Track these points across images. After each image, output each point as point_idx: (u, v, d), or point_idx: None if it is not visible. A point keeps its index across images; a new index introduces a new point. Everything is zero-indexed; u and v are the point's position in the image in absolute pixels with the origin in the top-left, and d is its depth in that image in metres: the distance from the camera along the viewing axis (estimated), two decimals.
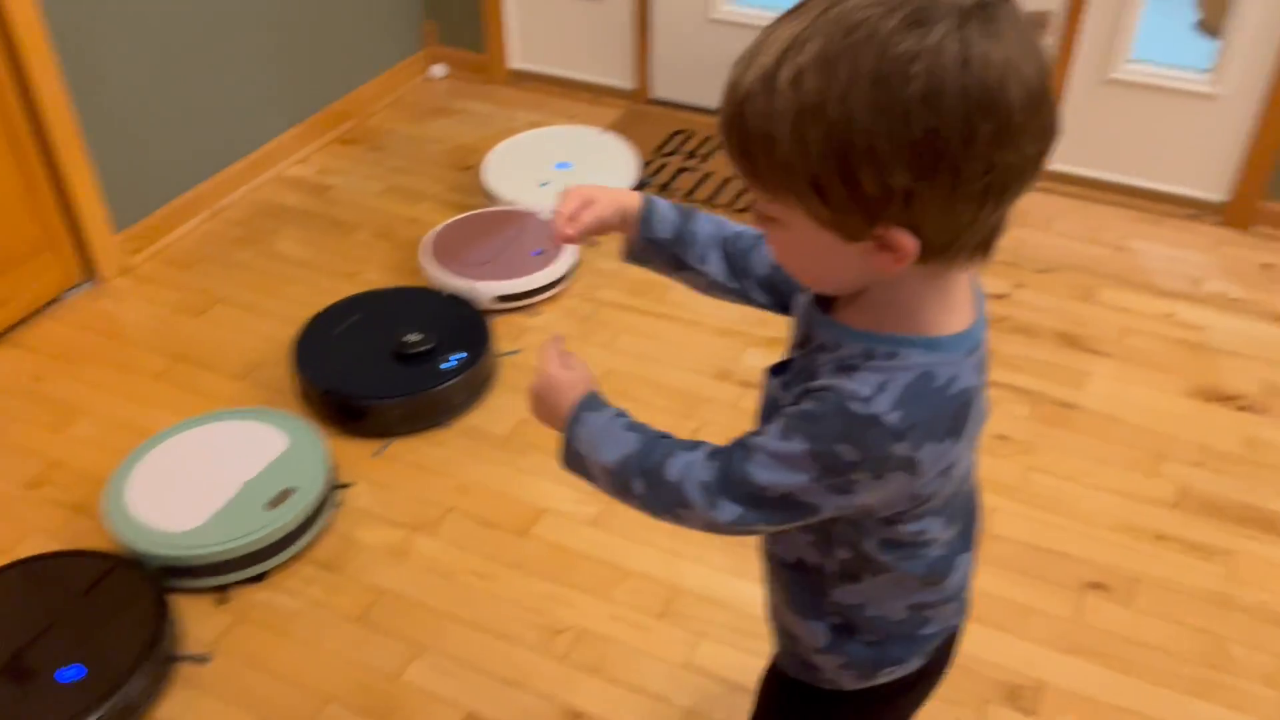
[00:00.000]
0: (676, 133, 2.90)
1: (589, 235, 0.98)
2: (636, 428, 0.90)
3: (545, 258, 2.32)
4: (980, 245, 0.76)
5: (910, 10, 0.66)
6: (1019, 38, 0.68)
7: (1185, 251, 2.53)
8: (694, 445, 0.88)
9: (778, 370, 0.89)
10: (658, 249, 1.01)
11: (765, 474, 0.82)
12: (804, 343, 0.86)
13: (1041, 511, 1.86)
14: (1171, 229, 2.60)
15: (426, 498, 1.89)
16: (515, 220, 2.43)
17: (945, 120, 0.66)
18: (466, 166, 2.83)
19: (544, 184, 2.57)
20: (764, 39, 0.71)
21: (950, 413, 0.79)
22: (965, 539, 0.95)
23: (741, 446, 0.84)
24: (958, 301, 0.82)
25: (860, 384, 0.77)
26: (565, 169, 2.63)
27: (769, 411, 0.86)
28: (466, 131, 3.00)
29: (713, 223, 1.01)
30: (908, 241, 0.72)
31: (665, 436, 0.89)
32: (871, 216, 0.71)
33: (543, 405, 0.94)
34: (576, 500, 1.87)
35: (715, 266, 1.01)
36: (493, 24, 3.12)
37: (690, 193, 2.64)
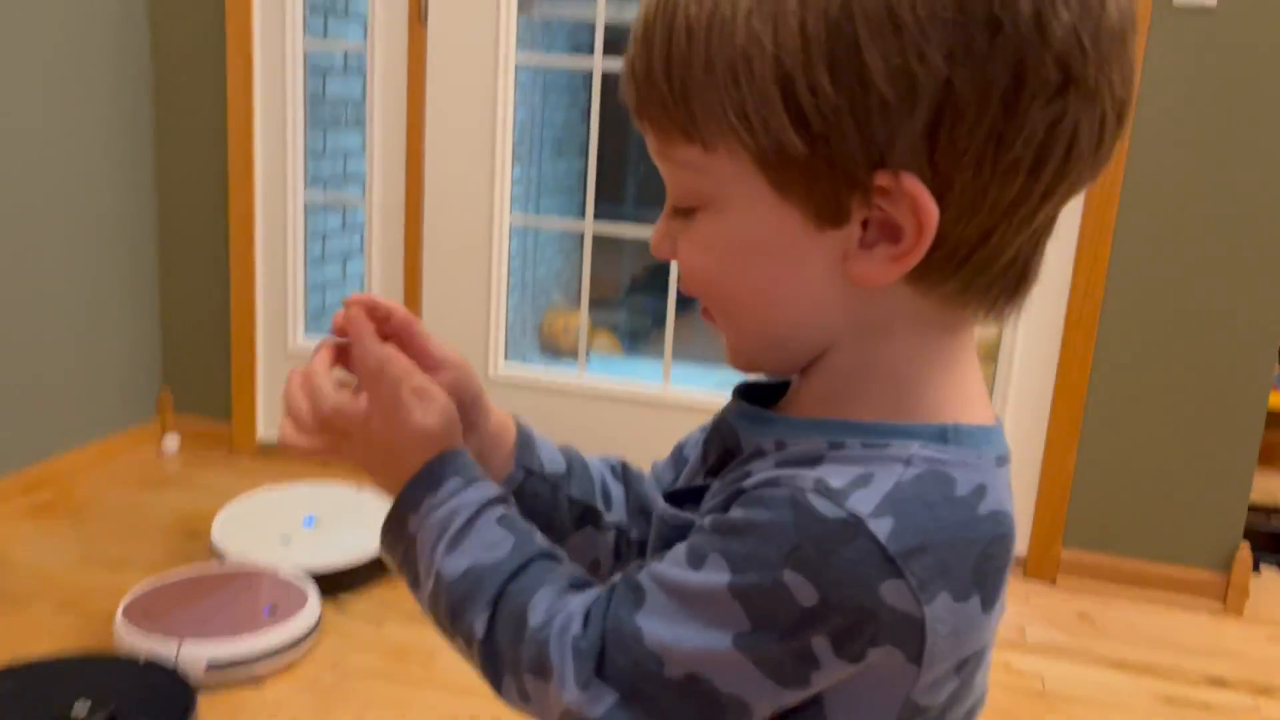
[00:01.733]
0: None
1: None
2: (510, 523, 0.55)
3: (278, 615, 1.86)
4: (1014, 273, 0.50)
5: None
6: None
7: None
8: (581, 584, 0.53)
9: (679, 500, 0.56)
10: (548, 498, 0.66)
11: (662, 628, 0.48)
12: (725, 461, 0.56)
13: None
14: None
15: None
16: (245, 578, 1.98)
17: None
18: (193, 533, 2.38)
19: (286, 540, 2.15)
20: None
21: (980, 548, 0.48)
22: None
23: (628, 586, 0.50)
24: (972, 383, 0.53)
25: (827, 472, 0.47)
26: (311, 525, 2.23)
27: (666, 547, 0.53)
28: (197, 501, 2.57)
29: (593, 458, 0.70)
30: (925, 199, 0.45)
31: (548, 556, 0.54)
32: (871, 146, 0.45)
33: (379, 437, 0.57)
34: None
35: (619, 510, 0.68)
36: (242, 391, 2.83)
37: None
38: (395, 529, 0.58)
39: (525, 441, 0.67)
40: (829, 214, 0.47)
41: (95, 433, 2.67)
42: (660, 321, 2.66)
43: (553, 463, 0.67)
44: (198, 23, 2.59)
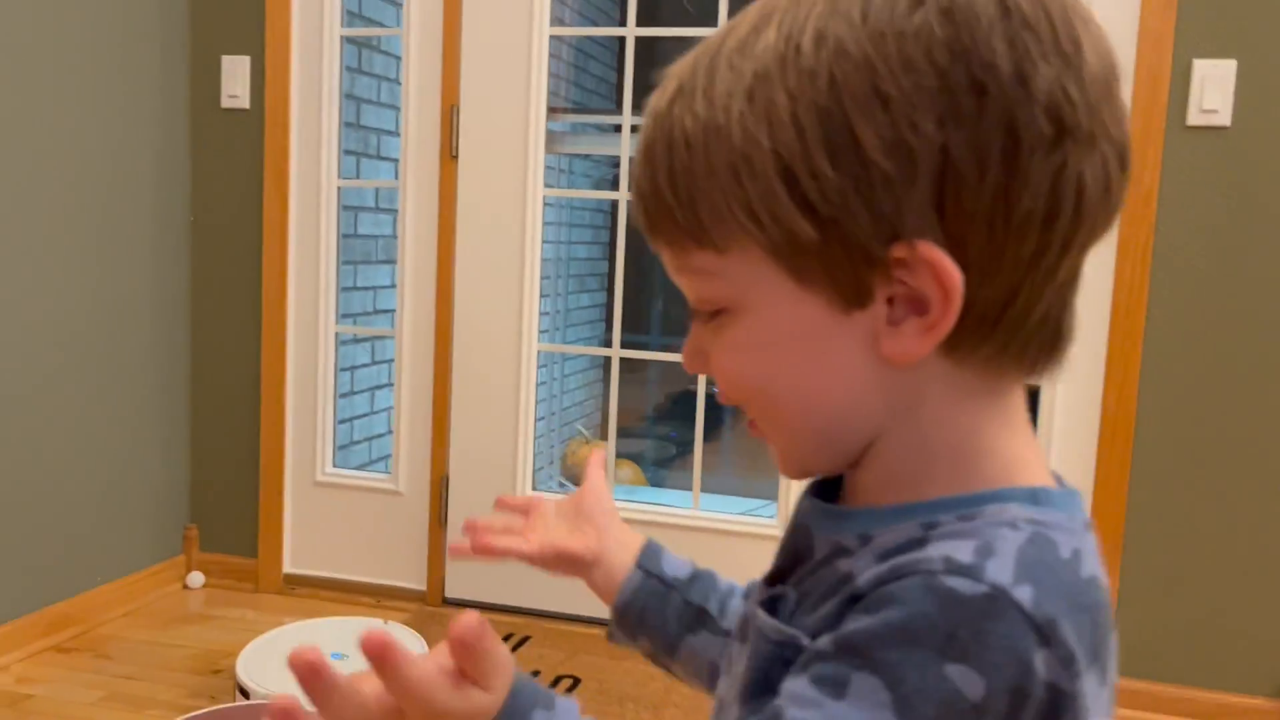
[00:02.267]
0: None
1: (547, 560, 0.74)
2: None
3: None
4: (1047, 331, 0.49)
5: None
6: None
7: None
8: None
9: (772, 607, 0.54)
10: (663, 597, 0.72)
11: None
12: (793, 566, 0.54)
13: None
14: None
15: None
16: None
17: (980, 39, 0.45)
18: (216, 670, 2.33)
19: None
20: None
21: (1091, 613, 0.45)
22: None
23: None
24: (1031, 448, 0.52)
25: (952, 549, 0.45)
26: (338, 659, 2.18)
27: (768, 673, 0.50)
28: (221, 637, 2.53)
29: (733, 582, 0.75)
30: (945, 264, 0.45)
31: None
32: (881, 221, 0.45)
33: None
34: None
35: (733, 620, 0.70)
36: (269, 527, 2.81)
37: None
38: None
39: (651, 550, 0.73)
40: (853, 295, 0.47)
41: (120, 571, 2.65)
42: (684, 452, 2.65)
43: (675, 568, 0.72)
44: (237, 164, 2.69)
